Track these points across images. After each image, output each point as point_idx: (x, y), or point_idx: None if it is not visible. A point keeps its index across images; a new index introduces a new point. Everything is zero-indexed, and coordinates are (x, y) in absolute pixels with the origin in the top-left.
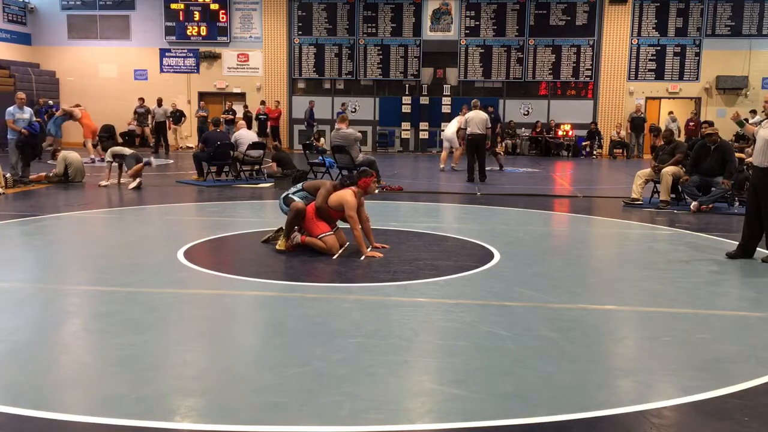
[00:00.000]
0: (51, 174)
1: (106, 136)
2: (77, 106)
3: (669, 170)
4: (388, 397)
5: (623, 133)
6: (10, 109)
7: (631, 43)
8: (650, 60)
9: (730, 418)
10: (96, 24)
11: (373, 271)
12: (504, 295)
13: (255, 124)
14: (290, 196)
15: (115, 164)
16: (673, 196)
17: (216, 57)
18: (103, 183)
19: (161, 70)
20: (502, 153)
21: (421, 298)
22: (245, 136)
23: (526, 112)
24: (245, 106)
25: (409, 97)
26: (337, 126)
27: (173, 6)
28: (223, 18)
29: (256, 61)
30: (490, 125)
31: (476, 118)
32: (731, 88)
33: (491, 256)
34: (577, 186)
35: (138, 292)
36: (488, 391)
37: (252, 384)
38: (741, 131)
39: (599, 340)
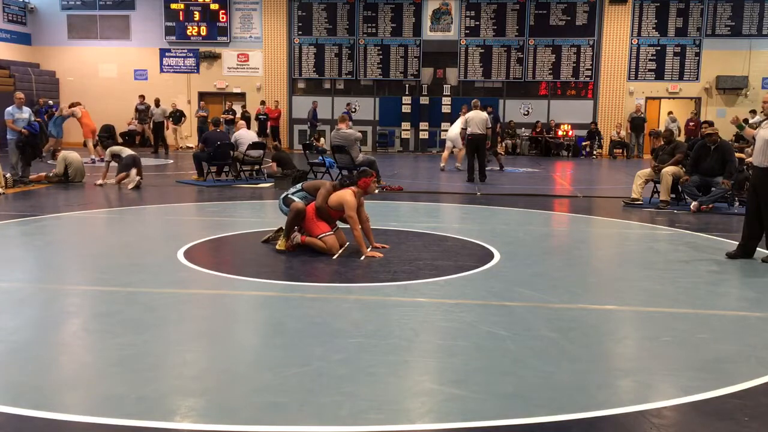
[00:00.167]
0: (51, 174)
1: (106, 135)
2: (78, 104)
3: (669, 170)
4: (388, 397)
5: (623, 133)
6: (9, 109)
7: (631, 43)
8: (650, 60)
9: (730, 418)
10: (96, 24)
11: (373, 271)
12: (504, 295)
13: (255, 124)
14: (289, 196)
15: (113, 164)
16: (673, 196)
17: (216, 57)
18: (99, 182)
19: (161, 70)
20: (503, 153)
21: (421, 298)
22: (245, 136)
23: (526, 112)
24: (243, 107)
25: (409, 97)
26: (337, 126)
27: (173, 6)
28: (223, 18)
29: (256, 61)
30: (490, 125)
31: (476, 118)
32: (731, 88)
33: (491, 256)
34: (577, 186)
35: (138, 292)
36: (488, 391)
37: (252, 384)
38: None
39: (599, 340)
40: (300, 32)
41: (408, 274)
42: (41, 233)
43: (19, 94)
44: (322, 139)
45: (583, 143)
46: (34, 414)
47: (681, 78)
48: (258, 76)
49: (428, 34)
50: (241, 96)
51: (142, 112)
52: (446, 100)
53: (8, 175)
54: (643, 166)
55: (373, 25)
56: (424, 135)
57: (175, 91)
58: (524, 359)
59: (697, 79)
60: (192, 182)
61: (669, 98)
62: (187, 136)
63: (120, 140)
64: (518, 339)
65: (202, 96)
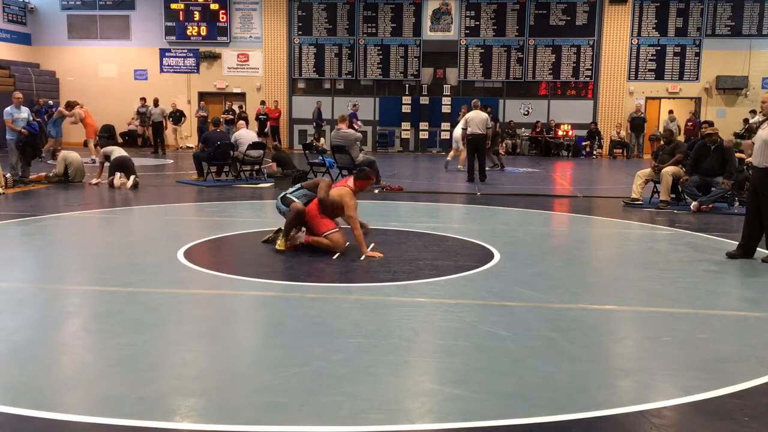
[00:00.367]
0: (51, 174)
1: (106, 136)
2: (76, 104)
3: (669, 170)
4: (388, 397)
5: (623, 133)
6: (8, 109)
7: (631, 43)
8: (650, 60)
9: (730, 418)
10: (96, 24)
11: (373, 271)
12: (504, 295)
13: (255, 124)
14: (288, 196)
15: (107, 164)
16: (673, 196)
17: (216, 57)
18: (94, 181)
19: (161, 70)
20: (503, 153)
21: (421, 298)
22: (245, 136)
23: (526, 112)
24: (240, 107)
25: (409, 97)
26: (337, 126)
27: (173, 6)
28: (223, 18)
29: (256, 61)
30: (490, 125)
31: (476, 118)
32: (731, 88)
33: (491, 256)
34: (577, 186)
35: (138, 292)
36: (488, 391)
37: (252, 384)
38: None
39: (599, 340)
40: (300, 32)
41: (408, 274)
42: (41, 233)
43: (17, 94)
44: (322, 139)
45: (583, 143)
46: (34, 414)
47: (681, 78)
48: (258, 76)
49: (428, 34)
50: (241, 96)
51: (144, 115)
52: (446, 100)
53: (8, 175)
54: (643, 166)
55: (373, 25)
56: (424, 135)
57: (175, 91)
58: (524, 359)
59: (697, 79)
60: (192, 182)
61: (669, 98)
62: (187, 136)
63: (120, 140)
64: (518, 339)
65: (202, 96)
